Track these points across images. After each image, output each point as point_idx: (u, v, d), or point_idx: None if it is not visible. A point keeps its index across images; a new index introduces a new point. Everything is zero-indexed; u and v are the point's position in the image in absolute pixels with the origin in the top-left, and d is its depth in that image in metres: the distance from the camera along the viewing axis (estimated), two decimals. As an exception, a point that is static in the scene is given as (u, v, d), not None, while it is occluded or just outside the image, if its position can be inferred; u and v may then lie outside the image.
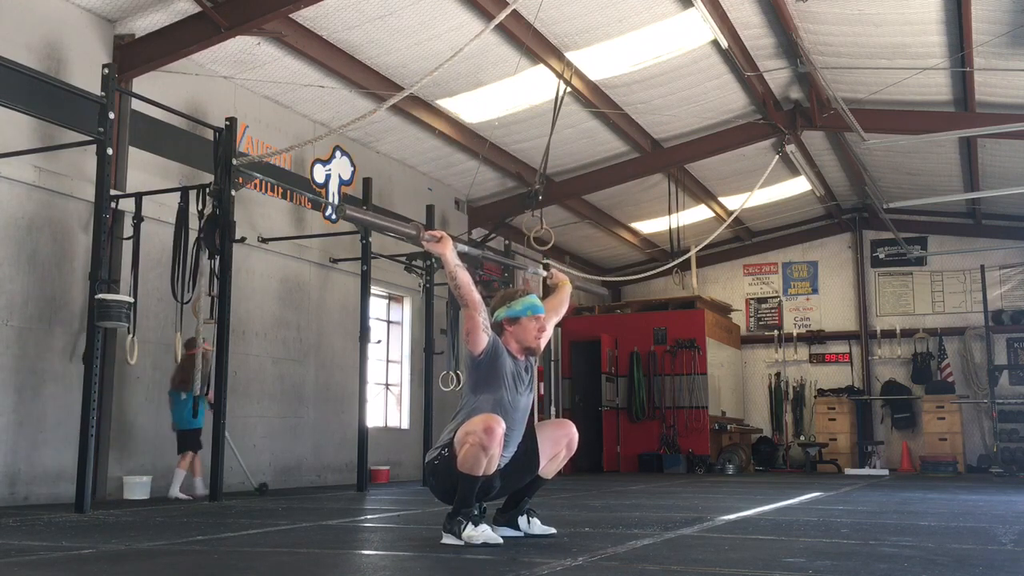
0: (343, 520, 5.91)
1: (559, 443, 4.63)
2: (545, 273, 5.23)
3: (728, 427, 16.25)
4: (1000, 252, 16.95)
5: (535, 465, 4.57)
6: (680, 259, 14.57)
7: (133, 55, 8.52)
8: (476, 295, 4.37)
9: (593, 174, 14.03)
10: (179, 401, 8.44)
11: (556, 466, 4.65)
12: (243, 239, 9.24)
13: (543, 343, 4.71)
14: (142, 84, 8.62)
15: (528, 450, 4.55)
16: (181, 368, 8.25)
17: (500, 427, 4.17)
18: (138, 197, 8.01)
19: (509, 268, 12.75)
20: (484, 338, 4.42)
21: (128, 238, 8.08)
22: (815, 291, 18.51)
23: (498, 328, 4.56)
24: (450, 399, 10.80)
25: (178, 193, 8.08)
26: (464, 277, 4.37)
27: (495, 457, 4.22)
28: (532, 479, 4.61)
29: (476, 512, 4.27)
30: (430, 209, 11.45)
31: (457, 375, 10.99)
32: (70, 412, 7.50)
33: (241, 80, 9.83)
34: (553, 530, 4.62)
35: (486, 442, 4.11)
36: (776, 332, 18.45)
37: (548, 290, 5.26)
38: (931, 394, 16.65)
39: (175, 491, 8.26)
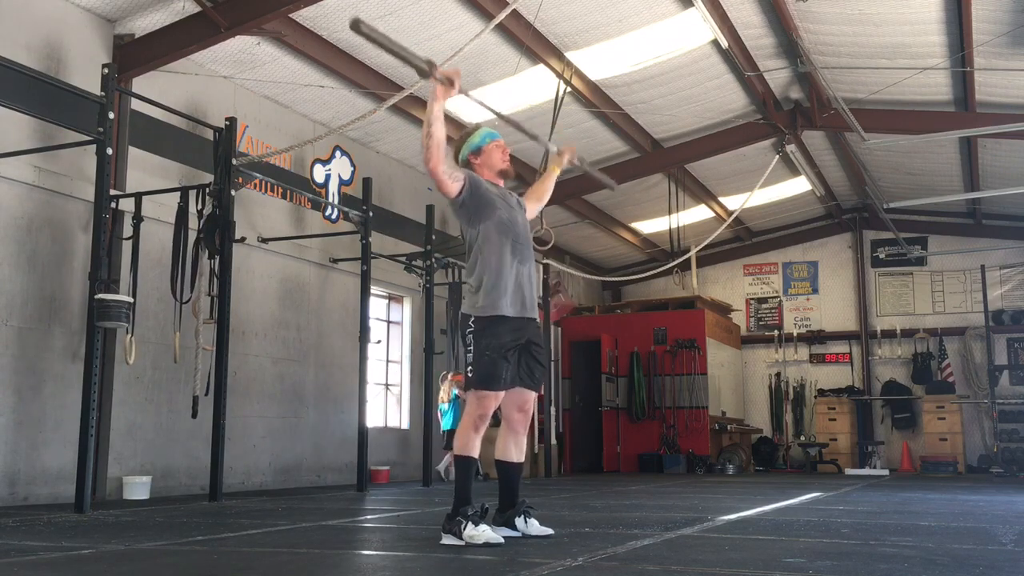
0: (343, 520, 5.90)
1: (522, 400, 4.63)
2: (555, 149, 5.23)
3: (728, 427, 16.24)
4: (1000, 252, 16.94)
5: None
6: (680, 259, 14.57)
7: (133, 55, 8.51)
8: (443, 152, 4.34)
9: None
10: (445, 410, 11.70)
11: (525, 422, 4.65)
12: (243, 239, 9.23)
13: (533, 213, 4.96)
14: (142, 84, 8.62)
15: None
16: (444, 387, 11.72)
17: (492, 402, 4.42)
18: (138, 197, 8.00)
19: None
20: (456, 182, 4.47)
21: (128, 238, 8.07)
22: (815, 291, 18.50)
23: (467, 167, 4.71)
24: (450, 399, 10.83)
25: (178, 193, 8.07)
26: (441, 133, 4.33)
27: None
28: (509, 468, 4.62)
29: (476, 512, 4.27)
30: (430, 209, 11.44)
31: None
32: (70, 412, 7.50)
33: (241, 80, 9.83)
34: (551, 531, 4.61)
35: (479, 424, 4.43)
36: (776, 332, 18.44)
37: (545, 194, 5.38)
38: (931, 394, 16.64)
39: (447, 476, 11.30)
